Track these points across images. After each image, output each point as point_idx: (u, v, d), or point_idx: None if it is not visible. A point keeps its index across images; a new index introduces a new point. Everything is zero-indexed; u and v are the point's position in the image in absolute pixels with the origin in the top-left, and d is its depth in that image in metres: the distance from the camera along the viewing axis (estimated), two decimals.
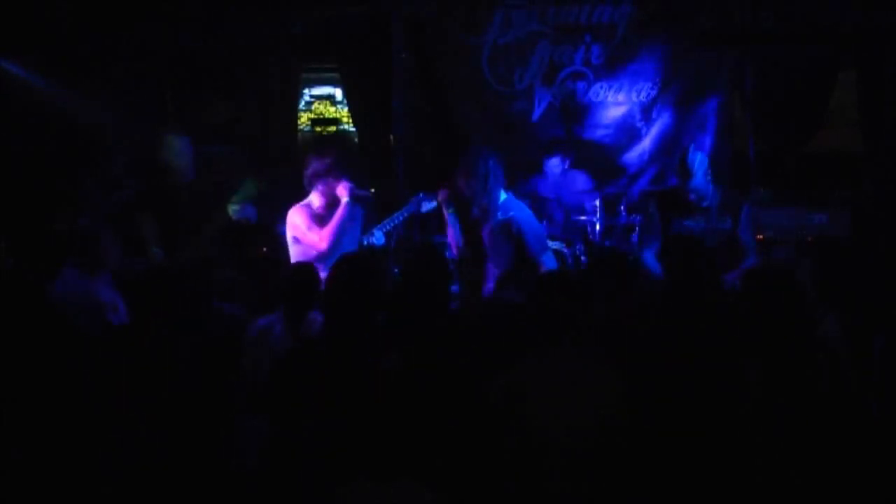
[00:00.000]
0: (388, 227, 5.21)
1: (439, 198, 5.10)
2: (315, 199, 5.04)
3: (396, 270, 5.17)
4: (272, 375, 3.20)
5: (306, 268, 4.22)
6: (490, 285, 4.66)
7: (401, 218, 5.22)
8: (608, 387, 2.93)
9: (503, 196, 4.96)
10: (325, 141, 8.22)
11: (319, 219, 5.01)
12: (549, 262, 4.87)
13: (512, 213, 4.88)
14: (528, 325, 3.18)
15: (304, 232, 4.94)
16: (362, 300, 3.27)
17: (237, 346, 3.85)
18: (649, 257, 4.88)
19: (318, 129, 8.35)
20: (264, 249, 6.35)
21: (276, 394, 3.08)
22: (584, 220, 6.70)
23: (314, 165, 5.01)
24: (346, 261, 3.49)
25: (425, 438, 2.50)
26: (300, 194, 6.06)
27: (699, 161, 4.78)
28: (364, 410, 2.52)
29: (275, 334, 3.86)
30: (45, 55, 6.64)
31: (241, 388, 3.61)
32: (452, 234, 5.11)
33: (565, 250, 6.46)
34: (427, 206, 5.20)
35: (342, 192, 4.97)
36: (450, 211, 5.07)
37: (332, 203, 5.02)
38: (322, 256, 4.79)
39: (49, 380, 3.03)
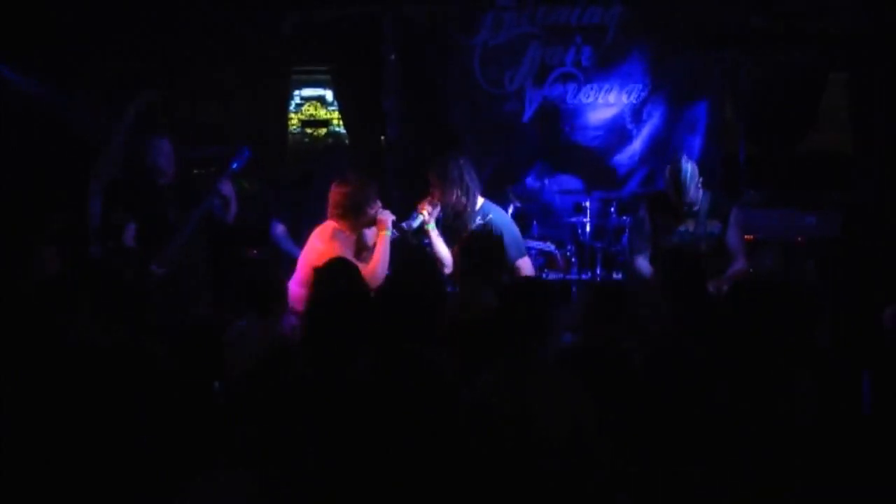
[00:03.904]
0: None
1: (426, 215, 4.84)
2: (345, 227, 4.66)
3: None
4: (249, 378, 3.20)
5: (273, 271, 4.23)
6: None
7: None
8: (580, 400, 2.89)
9: (480, 201, 4.92)
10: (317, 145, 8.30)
11: (355, 249, 4.69)
12: (525, 267, 4.82)
13: (490, 215, 4.84)
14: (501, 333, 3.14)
15: None
16: (344, 309, 3.28)
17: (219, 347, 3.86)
18: (642, 263, 4.90)
19: (308, 130, 8.42)
20: (255, 252, 6.41)
21: (254, 397, 3.07)
22: (574, 221, 6.72)
23: (348, 196, 4.58)
24: (329, 270, 3.55)
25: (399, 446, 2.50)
26: (291, 196, 6.09)
27: (690, 173, 4.76)
28: (338, 416, 2.53)
29: (252, 336, 3.88)
30: (36, 56, 6.64)
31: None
32: (440, 250, 4.90)
33: (556, 251, 6.49)
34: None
35: (384, 220, 4.66)
36: (432, 226, 4.90)
37: (362, 228, 4.71)
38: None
39: (40, 382, 3.03)
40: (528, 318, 3.10)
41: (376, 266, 4.52)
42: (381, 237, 4.60)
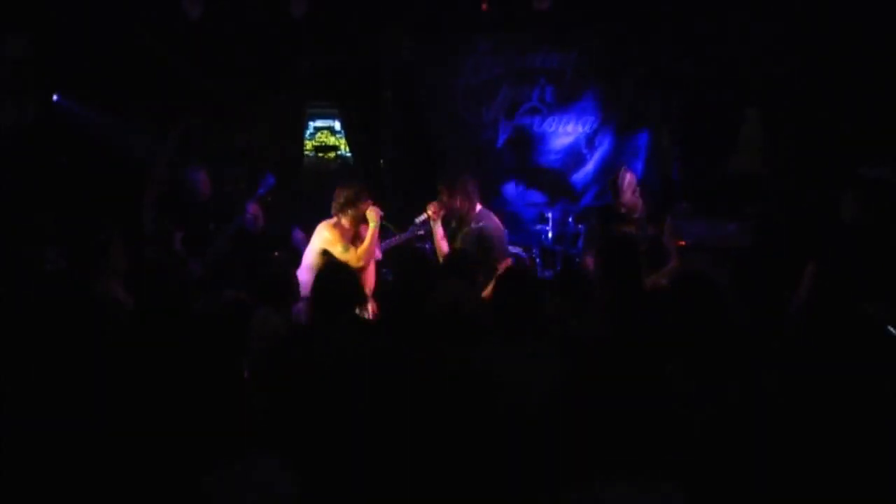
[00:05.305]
0: (387, 247, 5.60)
1: (431, 213, 5.34)
2: (344, 220, 5.27)
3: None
4: (271, 356, 3.40)
5: (287, 268, 4.73)
6: None
7: (398, 240, 5.64)
8: (552, 365, 3.05)
9: (478, 208, 5.43)
10: (328, 166, 8.56)
11: (351, 238, 5.26)
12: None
13: (482, 223, 5.37)
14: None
15: (338, 249, 5.15)
16: (343, 298, 3.74)
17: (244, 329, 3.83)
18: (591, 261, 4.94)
19: (320, 154, 8.64)
20: (276, 253, 6.50)
21: (274, 373, 3.22)
22: (539, 229, 7.37)
23: (345, 194, 5.23)
24: (332, 268, 4.05)
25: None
26: (306, 207, 6.65)
27: (627, 182, 5.22)
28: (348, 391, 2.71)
29: (273, 322, 4.18)
30: (97, 94, 7.13)
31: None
32: (440, 245, 5.44)
33: (523, 254, 7.03)
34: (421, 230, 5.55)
35: (373, 214, 5.24)
36: (437, 224, 5.41)
37: (358, 223, 5.30)
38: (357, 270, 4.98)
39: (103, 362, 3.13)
40: (519, 303, 3.33)
41: (365, 248, 5.23)
42: (370, 228, 5.29)
